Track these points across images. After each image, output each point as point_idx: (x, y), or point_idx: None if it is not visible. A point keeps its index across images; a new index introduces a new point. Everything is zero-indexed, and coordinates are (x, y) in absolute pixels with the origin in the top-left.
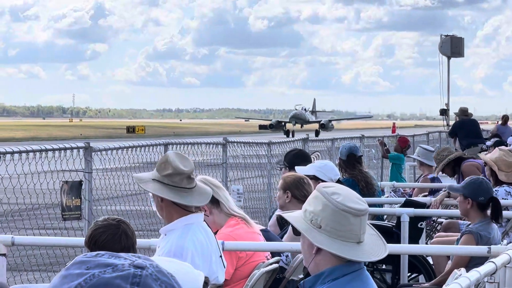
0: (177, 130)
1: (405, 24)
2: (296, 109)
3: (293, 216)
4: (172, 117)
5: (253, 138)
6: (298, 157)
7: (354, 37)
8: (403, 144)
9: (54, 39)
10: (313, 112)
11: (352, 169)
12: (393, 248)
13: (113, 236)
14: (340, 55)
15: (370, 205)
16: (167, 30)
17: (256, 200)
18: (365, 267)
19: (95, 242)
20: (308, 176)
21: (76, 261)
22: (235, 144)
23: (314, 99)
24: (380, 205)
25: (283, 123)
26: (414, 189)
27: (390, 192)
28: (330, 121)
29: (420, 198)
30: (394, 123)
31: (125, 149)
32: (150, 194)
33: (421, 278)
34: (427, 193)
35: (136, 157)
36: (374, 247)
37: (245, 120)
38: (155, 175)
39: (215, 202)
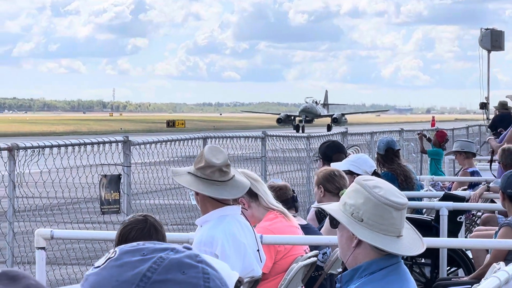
0: (217, 124)
1: (446, 17)
2: (306, 102)
3: (331, 208)
4: (212, 111)
5: (292, 132)
6: (331, 148)
7: (394, 30)
8: (441, 139)
9: (95, 34)
10: (325, 105)
11: (390, 163)
12: (432, 241)
13: (142, 231)
14: (380, 49)
15: (409, 199)
16: (207, 25)
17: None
18: (402, 260)
19: (125, 240)
20: (344, 171)
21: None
22: (274, 138)
23: (326, 91)
24: (419, 198)
25: (292, 117)
26: (453, 182)
27: (429, 186)
28: (343, 114)
29: (459, 192)
30: (433, 117)
31: (164, 143)
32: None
33: (460, 272)
34: (466, 187)
35: (175, 151)
36: (412, 241)
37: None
38: (190, 169)
39: (253, 195)
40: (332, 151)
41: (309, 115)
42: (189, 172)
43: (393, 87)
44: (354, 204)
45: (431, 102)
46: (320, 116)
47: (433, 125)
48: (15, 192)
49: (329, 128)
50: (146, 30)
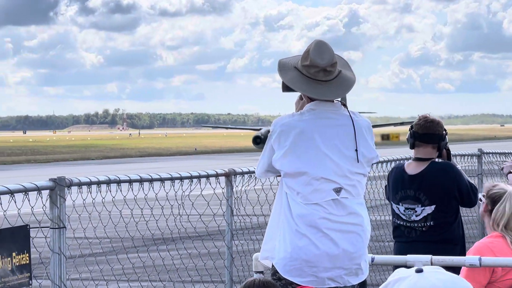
0: None
1: None
2: None
3: None
4: None
5: (510, 144)
6: None
7: None
8: None
9: None
10: None
11: None
12: None
13: None
14: None
15: None
16: (421, 36)
17: None
18: None
19: None
20: None
21: None
22: (491, 155)
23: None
24: None
25: None
26: None
27: None
28: None
29: None
30: None
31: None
32: None
33: None
34: None
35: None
36: None
37: (501, 125)
38: (297, 63)
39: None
40: None
41: None
42: (295, 67)
43: None
44: None
45: None
46: None
47: None
48: (233, 218)
49: None
50: (359, 43)
